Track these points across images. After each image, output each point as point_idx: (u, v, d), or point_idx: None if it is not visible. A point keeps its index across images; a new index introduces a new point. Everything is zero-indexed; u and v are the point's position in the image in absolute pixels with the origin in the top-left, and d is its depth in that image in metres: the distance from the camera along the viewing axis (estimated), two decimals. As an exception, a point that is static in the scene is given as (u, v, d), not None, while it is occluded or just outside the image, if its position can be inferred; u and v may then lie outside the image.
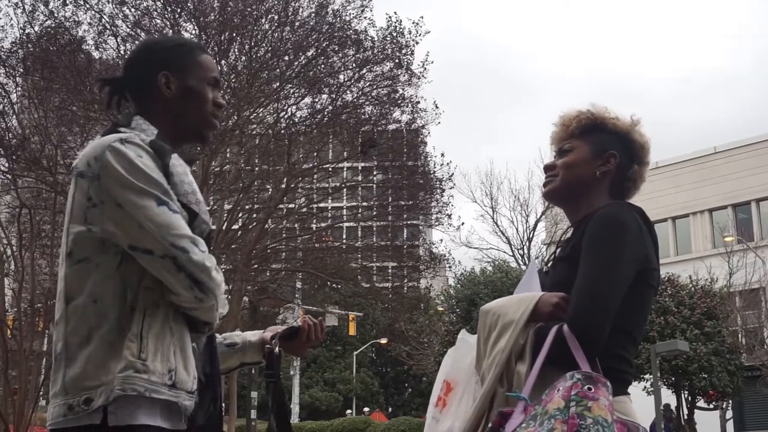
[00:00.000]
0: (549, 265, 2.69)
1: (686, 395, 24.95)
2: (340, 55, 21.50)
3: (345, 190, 28.07)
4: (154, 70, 2.43)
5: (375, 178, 27.50)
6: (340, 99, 22.04)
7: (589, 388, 2.10)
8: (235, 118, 20.47)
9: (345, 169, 29.84)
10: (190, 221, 2.26)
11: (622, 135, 2.68)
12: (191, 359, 2.24)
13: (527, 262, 34.10)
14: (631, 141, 2.69)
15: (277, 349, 2.60)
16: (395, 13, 21.70)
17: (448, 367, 2.67)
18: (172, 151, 2.33)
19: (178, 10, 20.22)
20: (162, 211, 2.18)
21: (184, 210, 2.26)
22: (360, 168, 29.55)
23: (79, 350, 2.19)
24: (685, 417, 24.60)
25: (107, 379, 2.13)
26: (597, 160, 2.65)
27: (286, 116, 22.35)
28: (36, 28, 19.89)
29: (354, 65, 21.65)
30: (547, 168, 2.73)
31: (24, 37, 19.90)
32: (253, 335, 2.69)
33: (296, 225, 26.75)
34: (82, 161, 2.27)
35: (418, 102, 22.62)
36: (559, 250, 2.70)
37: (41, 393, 20.66)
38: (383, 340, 43.16)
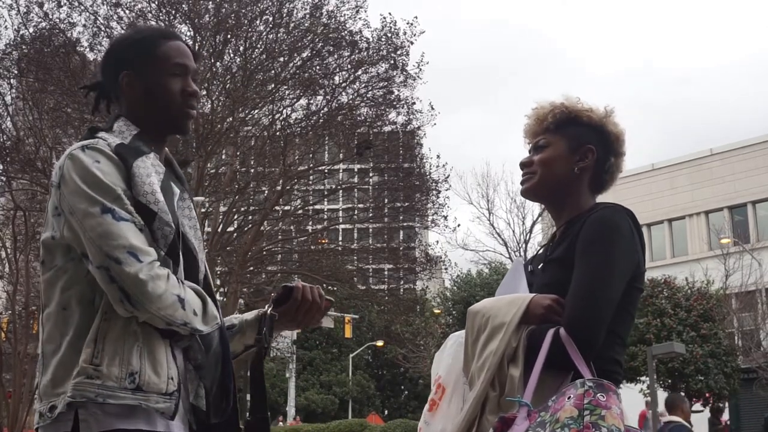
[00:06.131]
0: (538, 266, 2.65)
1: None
2: (335, 56, 21.50)
3: (341, 192, 28.05)
4: (116, 71, 2.41)
5: (371, 180, 27.49)
6: (335, 100, 22.04)
7: (602, 396, 2.09)
8: (230, 119, 20.45)
9: (341, 170, 29.86)
10: (149, 222, 2.21)
11: (597, 127, 2.66)
12: (163, 361, 2.19)
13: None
14: (606, 133, 2.67)
15: (269, 311, 2.47)
16: (390, 13, 21.71)
17: (443, 370, 2.63)
18: (140, 153, 2.30)
19: (173, 12, 20.22)
20: (104, 219, 2.14)
21: (141, 211, 2.21)
22: (356, 170, 29.53)
23: (51, 357, 2.21)
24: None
25: (69, 386, 2.13)
26: (574, 155, 2.63)
27: (281, 118, 22.32)
28: (30, 30, 19.88)
29: (349, 66, 21.64)
30: (524, 165, 2.71)
31: (18, 38, 19.89)
32: (250, 314, 2.61)
33: (292, 227, 26.71)
34: (54, 170, 2.29)
35: (414, 103, 22.62)
36: (546, 250, 2.67)
37: (35, 396, 20.55)
38: (379, 343, 43.05)
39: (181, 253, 2.29)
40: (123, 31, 19.65)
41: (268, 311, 2.49)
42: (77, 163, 2.21)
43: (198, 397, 2.28)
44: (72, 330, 2.19)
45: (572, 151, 2.63)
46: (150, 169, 2.28)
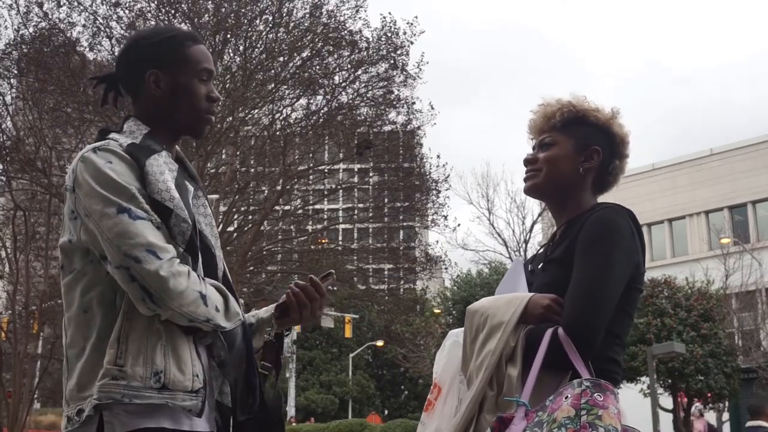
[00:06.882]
0: (538, 265, 2.64)
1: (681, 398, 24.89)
2: (335, 56, 21.48)
3: (341, 191, 28.02)
4: (143, 68, 2.39)
5: (371, 180, 27.47)
6: (335, 100, 22.01)
7: (599, 396, 2.08)
8: (230, 119, 20.44)
9: (341, 170, 29.82)
10: (165, 220, 2.20)
11: (604, 128, 2.65)
12: (187, 359, 2.19)
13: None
14: (612, 134, 2.66)
15: (273, 335, 2.50)
16: (390, 13, 21.65)
17: (441, 369, 2.64)
18: (152, 152, 2.29)
19: (173, 12, 20.19)
20: (121, 219, 2.14)
21: (157, 209, 2.20)
22: (356, 169, 29.51)
23: (76, 362, 2.21)
24: (682, 419, 24.55)
25: (95, 388, 2.13)
26: (580, 155, 2.63)
27: (281, 117, 22.30)
28: (30, 30, 19.86)
29: (349, 66, 21.62)
30: (528, 161, 2.69)
31: (18, 38, 19.87)
32: (265, 311, 2.60)
33: (292, 227, 26.71)
34: (68, 174, 2.29)
35: (413, 103, 22.59)
36: (546, 250, 2.66)
37: (35, 396, 20.56)
38: (379, 343, 43.07)
39: (199, 250, 2.28)
40: (123, 31, 19.74)
41: (272, 336, 2.49)
42: (90, 165, 2.21)
43: (223, 394, 2.27)
44: (95, 333, 2.19)
45: (578, 152, 2.62)
46: (163, 167, 2.28)
